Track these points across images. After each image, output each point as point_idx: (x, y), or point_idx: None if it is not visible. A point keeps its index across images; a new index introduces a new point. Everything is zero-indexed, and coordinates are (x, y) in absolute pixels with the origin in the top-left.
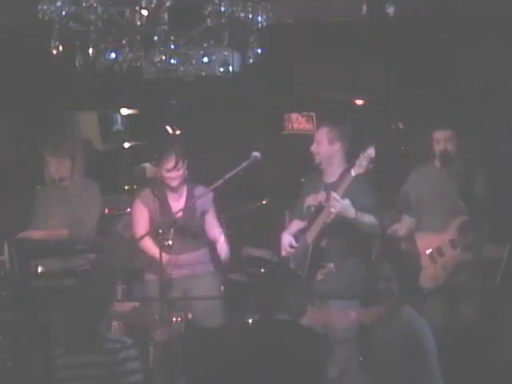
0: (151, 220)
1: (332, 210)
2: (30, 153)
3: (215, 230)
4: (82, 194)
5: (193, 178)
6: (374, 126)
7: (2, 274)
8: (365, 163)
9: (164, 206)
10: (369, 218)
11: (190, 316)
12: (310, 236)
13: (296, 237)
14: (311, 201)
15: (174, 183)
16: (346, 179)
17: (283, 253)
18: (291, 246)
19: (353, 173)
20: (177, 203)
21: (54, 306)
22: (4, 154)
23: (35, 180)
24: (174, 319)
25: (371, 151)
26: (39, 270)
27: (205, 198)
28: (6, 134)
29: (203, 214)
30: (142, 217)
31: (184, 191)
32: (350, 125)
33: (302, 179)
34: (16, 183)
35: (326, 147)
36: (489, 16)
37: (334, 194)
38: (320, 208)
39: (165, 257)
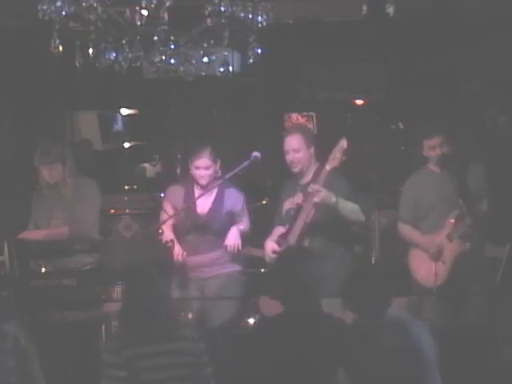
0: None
1: (316, 199)
2: (30, 153)
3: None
4: (79, 193)
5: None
6: (373, 126)
7: (2, 273)
8: (338, 155)
9: (191, 204)
10: (350, 204)
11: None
12: (293, 238)
13: (279, 243)
14: (289, 204)
15: (203, 181)
16: (322, 174)
17: (267, 259)
18: (274, 252)
19: (327, 167)
20: (205, 202)
21: (53, 306)
22: (4, 153)
23: (35, 180)
24: None
25: (343, 143)
26: (39, 270)
27: (234, 199)
28: (6, 133)
29: (230, 215)
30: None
31: (214, 191)
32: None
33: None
34: (16, 183)
35: (306, 153)
36: (489, 16)
37: (315, 186)
38: (298, 209)
39: (183, 257)
